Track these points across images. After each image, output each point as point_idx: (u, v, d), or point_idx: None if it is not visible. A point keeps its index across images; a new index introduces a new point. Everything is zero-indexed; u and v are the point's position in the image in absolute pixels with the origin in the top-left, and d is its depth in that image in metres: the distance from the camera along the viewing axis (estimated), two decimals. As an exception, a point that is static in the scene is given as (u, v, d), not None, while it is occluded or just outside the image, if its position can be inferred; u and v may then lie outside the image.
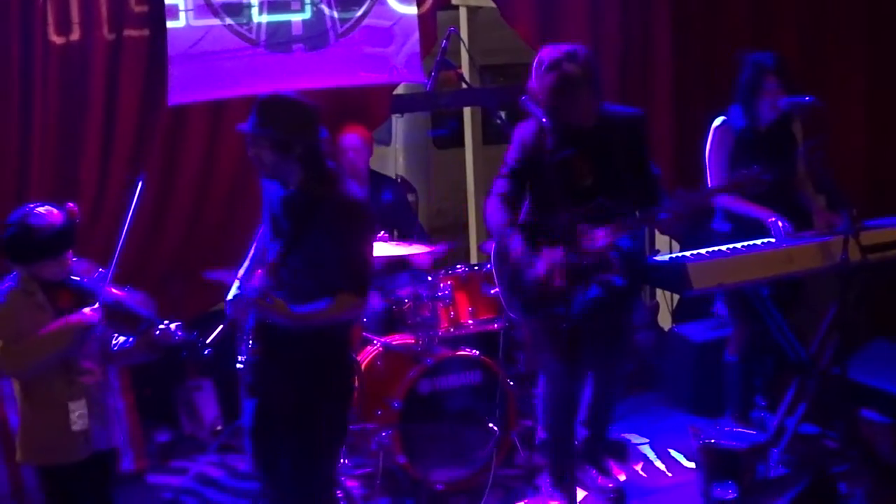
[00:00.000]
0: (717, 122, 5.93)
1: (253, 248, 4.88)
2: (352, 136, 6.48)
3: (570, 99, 5.12)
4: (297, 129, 4.41)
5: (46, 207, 4.39)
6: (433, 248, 6.21)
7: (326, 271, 4.39)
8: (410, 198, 9.53)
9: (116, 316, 4.38)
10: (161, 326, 4.39)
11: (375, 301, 6.14)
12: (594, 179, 5.17)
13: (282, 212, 4.54)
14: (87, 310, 4.35)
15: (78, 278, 4.40)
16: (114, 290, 4.40)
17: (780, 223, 5.73)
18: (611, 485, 5.68)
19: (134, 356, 4.51)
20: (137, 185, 4.62)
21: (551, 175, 5.08)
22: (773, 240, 5.73)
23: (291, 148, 4.40)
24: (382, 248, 5.96)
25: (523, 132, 5.33)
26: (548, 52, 5.19)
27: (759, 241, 5.70)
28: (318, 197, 4.41)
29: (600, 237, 5.12)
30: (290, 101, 4.50)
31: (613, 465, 5.84)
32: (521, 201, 5.36)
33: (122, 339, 4.49)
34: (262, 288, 4.41)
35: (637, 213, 5.23)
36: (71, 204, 4.46)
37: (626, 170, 5.19)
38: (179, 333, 4.42)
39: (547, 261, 5.11)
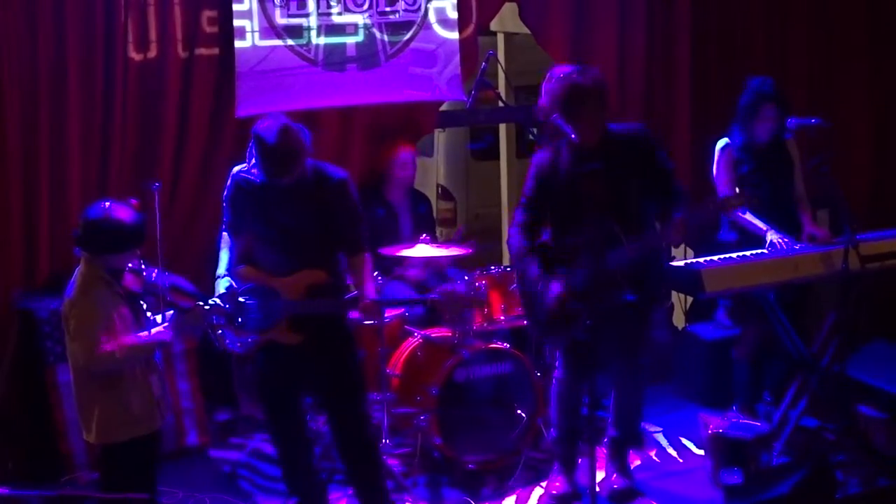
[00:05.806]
0: (721, 143, 5.81)
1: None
2: (406, 153, 6.44)
3: (576, 109, 4.88)
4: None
5: (114, 204, 4.31)
6: (466, 250, 6.09)
7: (339, 236, 4.83)
8: (450, 205, 9.53)
9: (172, 293, 4.48)
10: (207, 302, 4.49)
11: (418, 308, 6.15)
12: (605, 198, 4.79)
13: (283, 199, 4.74)
14: (161, 328, 4.33)
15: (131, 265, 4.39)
16: (167, 274, 4.49)
17: (777, 239, 5.62)
18: (616, 486, 5.48)
19: (183, 330, 4.45)
20: (154, 191, 4.75)
21: (570, 190, 4.91)
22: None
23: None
24: (424, 250, 5.96)
25: (539, 160, 5.13)
26: (559, 68, 5.05)
27: (765, 250, 5.61)
28: (320, 180, 4.79)
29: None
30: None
31: (630, 452, 5.67)
32: (540, 229, 5.15)
33: (158, 317, 4.45)
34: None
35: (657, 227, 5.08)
36: (133, 200, 4.47)
37: (639, 186, 4.99)
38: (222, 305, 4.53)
39: (555, 291, 5.01)
